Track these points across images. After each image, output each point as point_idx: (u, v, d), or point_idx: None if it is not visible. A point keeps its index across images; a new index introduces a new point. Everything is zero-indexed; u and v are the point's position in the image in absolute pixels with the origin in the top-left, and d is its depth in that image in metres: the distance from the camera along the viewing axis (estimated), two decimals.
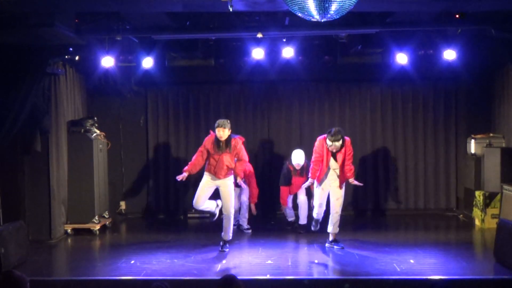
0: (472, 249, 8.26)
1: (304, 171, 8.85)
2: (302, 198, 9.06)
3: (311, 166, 7.82)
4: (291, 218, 9.28)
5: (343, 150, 7.68)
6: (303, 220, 9.07)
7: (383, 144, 10.64)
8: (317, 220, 7.98)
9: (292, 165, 8.98)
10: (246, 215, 9.14)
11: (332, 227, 7.87)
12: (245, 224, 9.16)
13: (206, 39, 8.77)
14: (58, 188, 8.84)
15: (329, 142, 7.59)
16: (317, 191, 7.87)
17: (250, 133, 10.37)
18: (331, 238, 7.96)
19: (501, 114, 9.90)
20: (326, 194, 7.85)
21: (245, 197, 9.08)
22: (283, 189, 9.09)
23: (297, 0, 4.76)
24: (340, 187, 7.77)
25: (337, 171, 7.74)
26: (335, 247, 7.89)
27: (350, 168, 7.76)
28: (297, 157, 8.92)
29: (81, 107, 10.00)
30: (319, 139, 7.82)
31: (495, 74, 10.11)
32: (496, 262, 7.01)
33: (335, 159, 7.72)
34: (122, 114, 10.71)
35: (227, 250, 7.78)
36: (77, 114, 9.77)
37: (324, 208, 7.90)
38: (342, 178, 7.76)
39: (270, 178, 10.34)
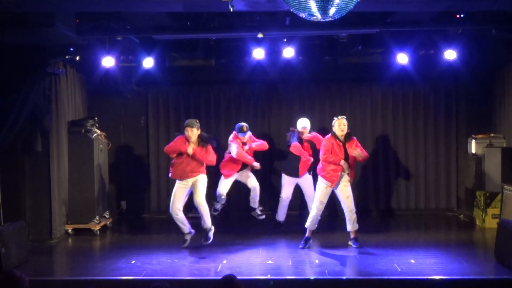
0: (472, 249, 8.25)
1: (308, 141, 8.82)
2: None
3: (326, 161, 7.77)
4: (281, 217, 9.11)
5: (353, 146, 7.85)
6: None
7: (383, 144, 10.63)
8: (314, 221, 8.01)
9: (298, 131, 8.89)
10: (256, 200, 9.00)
11: (350, 226, 7.90)
12: (258, 210, 9.03)
13: (207, 39, 8.77)
14: (59, 188, 8.84)
15: (340, 125, 7.80)
16: (322, 188, 7.87)
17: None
18: (352, 236, 7.98)
19: (502, 114, 9.90)
20: (329, 192, 7.89)
21: (254, 183, 8.92)
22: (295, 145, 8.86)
23: (297, 0, 4.76)
24: (350, 182, 7.85)
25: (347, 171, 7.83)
26: (353, 245, 7.91)
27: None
28: (303, 122, 8.86)
29: (81, 107, 10.01)
30: (326, 137, 7.91)
31: (496, 74, 10.11)
32: (496, 262, 7.01)
33: (345, 159, 7.78)
34: (123, 114, 10.71)
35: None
36: (78, 114, 9.77)
37: (324, 205, 7.93)
38: (351, 175, 7.89)
39: (270, 178, 10.35)
